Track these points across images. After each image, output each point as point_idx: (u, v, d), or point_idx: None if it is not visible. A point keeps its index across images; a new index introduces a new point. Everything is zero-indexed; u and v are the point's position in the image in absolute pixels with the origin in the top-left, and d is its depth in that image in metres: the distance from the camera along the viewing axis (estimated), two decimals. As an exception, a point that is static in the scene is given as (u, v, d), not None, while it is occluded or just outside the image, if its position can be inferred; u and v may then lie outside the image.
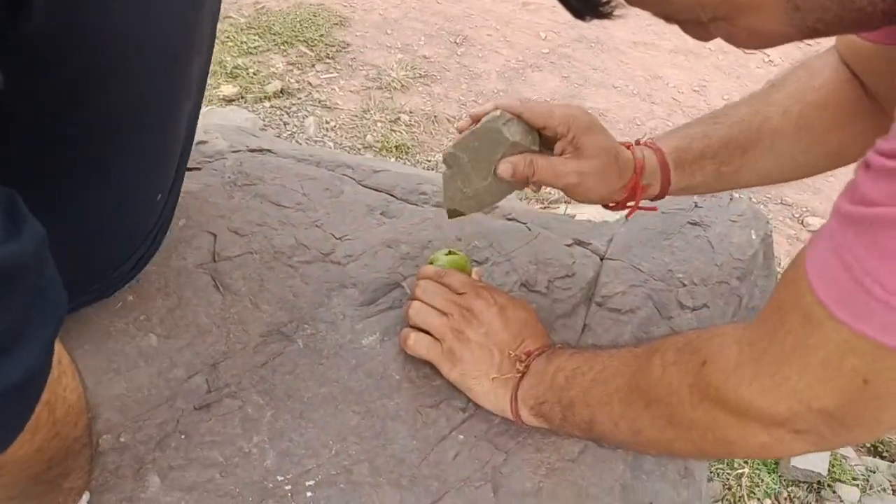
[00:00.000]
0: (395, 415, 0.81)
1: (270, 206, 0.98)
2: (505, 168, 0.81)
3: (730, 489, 1.70)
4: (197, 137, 1.05)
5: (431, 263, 0.91)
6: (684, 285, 1.00)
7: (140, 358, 0.80)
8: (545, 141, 0.83)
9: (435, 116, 2.87)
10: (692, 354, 0.63)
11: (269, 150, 1.07)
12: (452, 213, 0.90)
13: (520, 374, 0.79)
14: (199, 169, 1.00)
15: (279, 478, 0.74)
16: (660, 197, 0.89)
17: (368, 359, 0.85)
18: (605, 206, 0.90)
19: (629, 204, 0.87)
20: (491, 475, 0.78)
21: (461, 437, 0.81)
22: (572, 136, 0.80)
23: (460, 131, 0.84)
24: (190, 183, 0.97)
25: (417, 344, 0.83)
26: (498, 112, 0.80)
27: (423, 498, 0.75)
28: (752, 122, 0.87)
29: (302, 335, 0.85)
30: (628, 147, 0.87)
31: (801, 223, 2.65)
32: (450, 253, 0.92)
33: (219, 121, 1.09)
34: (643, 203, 0.88)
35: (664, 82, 3.33)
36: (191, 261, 0.89)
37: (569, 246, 1.02)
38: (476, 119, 0.83)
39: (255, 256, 0.91)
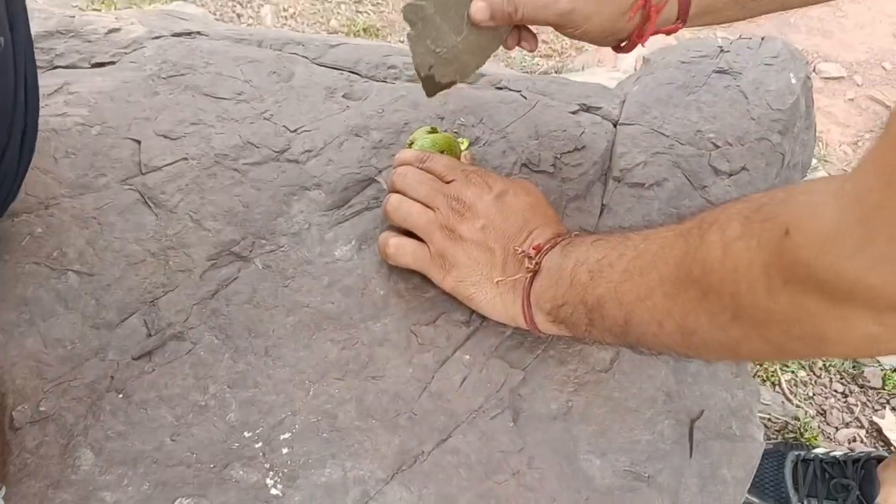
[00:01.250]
0: (383, 339, 0.67)
1: (205, 99, 0.80)
2: (479, 8, 0.67)
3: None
4: (107, 24, 0.87)
5: (411, 146, 0.75)
6: (717, 147, 0.84)
7: (58, 303, 0.65)
8: None
9: (404, -8, 2.63)
10: (766, 222, 0.47)
11: (198, 33, 0.88)
12: (430, 86, 0.74)
13: (530, 273, 0.64)
14: (111, 63, 0.83)
15: (246, 434, 0.60)
16: (675, 28, 0.72)
17: (344, 274, 0.70)
18: (617, 49, 0.73)
19: (644, 34, 0.71)
20: (508, 400, 0.65)
21: (467, 357, 0.67)
22: None
23: None
24: (102, 81, 0.79)
25: (399, 250, 0.68)
26: None
27: (427, 438, 0.62)
28: None
29: (259, 253, 0.70)
30: None
31: (814, 70, 2.46)
32: (433, 131, 0.76)
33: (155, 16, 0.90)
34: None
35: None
36: (111, 176, 0.73)
37: (574, 113, 0.86)
38: None
39: (191, 163, 0.75)
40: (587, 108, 0.87)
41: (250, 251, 0.70)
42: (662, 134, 0.85)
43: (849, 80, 2.47)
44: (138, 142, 0.75)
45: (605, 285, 0.59)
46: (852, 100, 2.39)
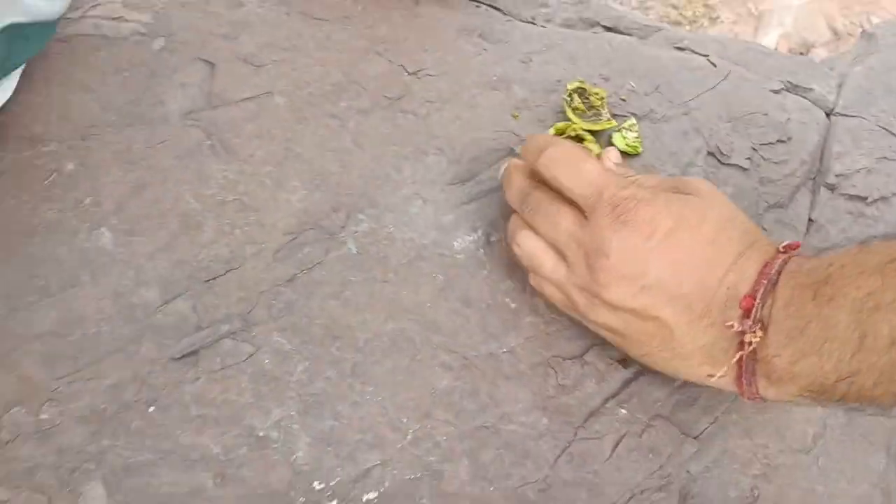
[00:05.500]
0: (511, 371, 0.51)
1: (304, 20, 0.64)
2: None
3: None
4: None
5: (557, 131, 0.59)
6: (965, 157, 0.66)
7: (83, 268, 0.50)
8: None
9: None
10: None
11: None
12: None
13: (751, 347, 0.45)
14: (190, -41, 0.67)
15: (317, 485, 0.45)
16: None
17: (466, 274, 0.54)
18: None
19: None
20: (675, 481, 0.49)
21: (623, 411, 0.51)
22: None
23: None
24: (174, -19, 0.64)
25: (537, 285, 0.52)
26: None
27: (562, 522, 0.46)
28: None
29: (354, 232, 0.54)
30: None
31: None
32: (583, 92, 0.59)
33: None
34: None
35: None
36: (172, 106, 0.57)
37: (777, 93, 0.68)
38: None
39: (277, 101, 0.59)
40: (794, 88, 0.69)
41: (343, 228, 0.54)
42: (893, 134, 0.66)
43: None
44: (212, 65, 0.59)
45: None
46: None
